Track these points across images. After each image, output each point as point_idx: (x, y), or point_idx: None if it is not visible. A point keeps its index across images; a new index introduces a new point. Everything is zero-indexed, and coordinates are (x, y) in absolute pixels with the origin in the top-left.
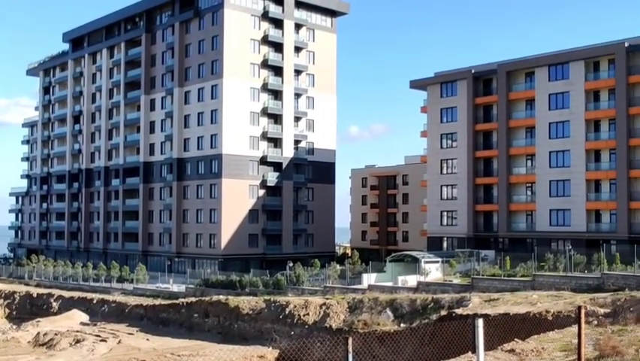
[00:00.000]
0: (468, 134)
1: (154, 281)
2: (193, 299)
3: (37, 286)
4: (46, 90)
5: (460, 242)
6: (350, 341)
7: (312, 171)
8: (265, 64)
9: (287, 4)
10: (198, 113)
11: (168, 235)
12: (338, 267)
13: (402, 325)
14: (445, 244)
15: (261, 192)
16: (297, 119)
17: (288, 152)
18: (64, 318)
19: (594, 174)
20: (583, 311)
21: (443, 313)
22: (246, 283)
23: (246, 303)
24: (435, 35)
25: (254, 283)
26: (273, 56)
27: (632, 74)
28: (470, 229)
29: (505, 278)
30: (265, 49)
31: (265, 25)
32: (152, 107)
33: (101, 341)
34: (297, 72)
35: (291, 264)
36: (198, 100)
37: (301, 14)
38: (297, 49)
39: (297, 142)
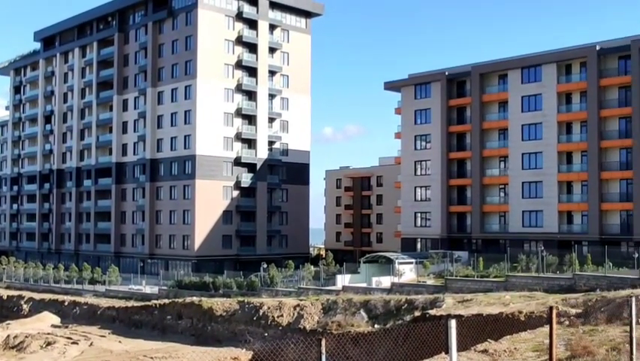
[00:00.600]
0: (442, 135)
1: (126, 283)
2: (166, 301)
3: (8, 288)
4: (16, 90)
5: (434, 243)
6: (324, 342)
7: (286, 172)
8: (239, 64)
9: (261, 5)
10: (172, 114)
11: (141, 237)
12: (312, 268)
13: (376, 326)
14: (418, 245)
15: (235, 193)
16: (271, 120)
17: (262, 153)
18: (35, 320)
19: (566, 176)
20: (554, 312)
21: (417, 314)
22: (220, 284)
23: (220, 305)
24: (409, 38)
25: (227, 285)
26: (248, 57)
27: (603, 76)
28: (444, 230)
29: (479, 279)
30: (239, 49)
31: (239, 25)
32: (125, 108)
33: (73, 343)
34: (272, 73)
35: (265, 265)
36: (172, 100)
37: (276, 15)
38: (272, 50)
39: (271, 143)
